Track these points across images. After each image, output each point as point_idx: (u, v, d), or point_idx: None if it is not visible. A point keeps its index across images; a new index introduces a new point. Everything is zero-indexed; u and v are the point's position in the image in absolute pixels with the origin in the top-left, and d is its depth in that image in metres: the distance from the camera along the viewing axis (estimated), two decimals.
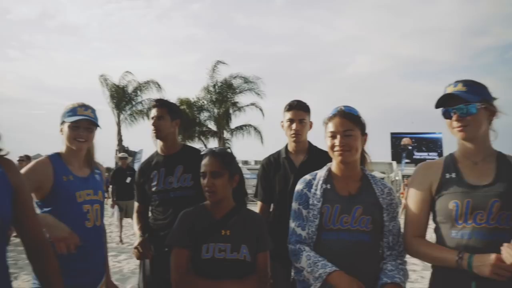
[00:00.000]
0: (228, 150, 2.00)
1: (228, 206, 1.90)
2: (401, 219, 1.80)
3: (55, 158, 2.12)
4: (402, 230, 1.84)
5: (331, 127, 1.86)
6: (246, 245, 1.80)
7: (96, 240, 2.17)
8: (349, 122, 1.85)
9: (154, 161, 2.67)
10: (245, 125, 23.02)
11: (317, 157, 2.44)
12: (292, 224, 1.89)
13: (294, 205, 1.91)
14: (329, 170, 1.93)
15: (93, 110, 2.18)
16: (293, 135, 2.62)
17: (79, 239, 1.83)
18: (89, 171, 2.23)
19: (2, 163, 1.43)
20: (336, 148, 1.83)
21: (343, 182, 1.87)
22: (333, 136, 1.85)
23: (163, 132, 2.61)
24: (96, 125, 2.17)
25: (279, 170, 2.65)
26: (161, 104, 2.65)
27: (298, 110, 2.63)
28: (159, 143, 2.67)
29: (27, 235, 1.48)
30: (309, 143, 2.72)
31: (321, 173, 1.93)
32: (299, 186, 1.94)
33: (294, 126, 2.61)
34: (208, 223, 1.84)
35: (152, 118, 2.61)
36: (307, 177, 1.95)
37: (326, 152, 1.95)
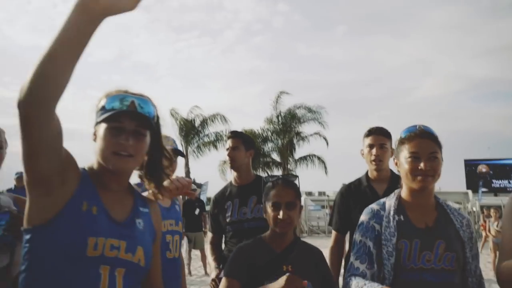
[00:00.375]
0: (296, 176, 1.91)
1: (289, 238, 1.79)
2: (481, 254, 1.70)
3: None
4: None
5: (411, 148, 1.66)
6: (309, 282, 1.63)
7: (174, 272, 2.16)
8: (433, 143, 1.67)
9: (228, 191, 2.74)
10: (309, 155, 22.86)
11: None
12: (352, 258, 1.70)
13: (358, 237, 1.72)
14: (399, 198, 1.73)
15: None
16: (374, 161, 2.51)
17: None
18: (170, 201, 2.23)
19: (147, 203, 1.42)
20: (419, 172, 1.62)
21: (418, 212, 1.67)
22: (415, 158, 1.64)
23: (238, 162, 2.69)
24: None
25: (360, 199, 2.47)
26: (235, 135, 2.75)
27: (379, 135, 2.55)
28: (233, 173, 2.76)
29: (148, 281, 1.40)
30: (391, 171, 2.59)
31: (389, 201, 1.73)
32: (364, 218, 1.74)
33: (374, 151, 2.51)
34: (269, 258, 1.73)
35: (227, 149, 2.71)
36: (374, 206, 1.76)
37: None
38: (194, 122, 24.21)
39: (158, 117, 1.38)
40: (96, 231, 1.16)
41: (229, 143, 2.73)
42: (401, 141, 1.75)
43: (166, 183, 1.50)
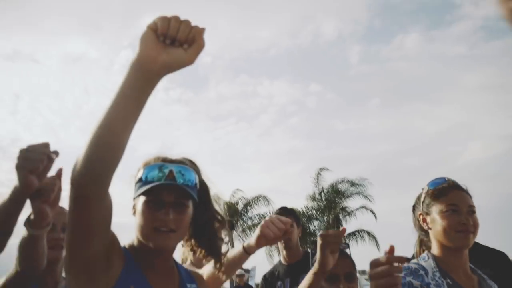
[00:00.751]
0: (347, 245, 1.78)
1: None
2: None
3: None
4: None
5: (449, 200, 1.51)
6: None
7: None
8: (469, 196, 1.54)
9: (278, 271, 2.69)
10: (357, 231, 22.00)
11: (483, 254, 2.04)
12: None
13: None
14: (434, 258, 1.53)
15: None
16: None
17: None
18: None
19: (194, 277, 1.36)
20: (461, 228, 1.46)
21: (461, 274, 1.50)
22: (454, 212, 1.49)
23: (293, 240, 2.60)
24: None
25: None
26: (287, 212, 2.66)
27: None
28: (282, 252, 2.70)
29: None
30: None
31: (425, 262, 1.52)
32: (408, 279, 1.50)
33: None
34: None
35: None
36: (411, 266, 1.52)
37: (493, 250, 1.73)
38: (237, 205, 24.26)
39: (202, 181, 1.30)
40: None
41: None
42: (433, 194, 1.57)
43: (261, 231, 1.42)
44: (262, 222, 1.43)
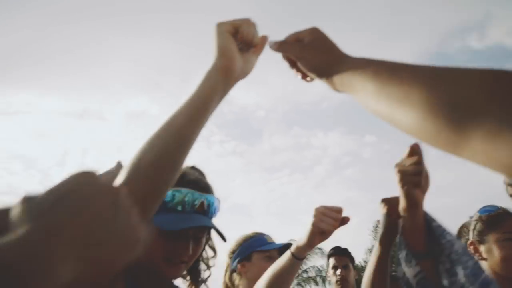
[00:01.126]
0: None
1: None
2: None
3: None
4: None
5: (506, 228, 1.40)
6: None
7: None
8: None
9: None
10: None
11: None
12: None
13: None
14: None
15: None
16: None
17: None
18: None
19: None
20: None
21: None
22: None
23: (350, 282, 2.42)
24: None
25: None
26: (342, 252, 2.49)
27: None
28: None
29: None
30: None
31: None
32: None
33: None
34: None
35: (333, 267, 2.45)
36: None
37: None
38: None
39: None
40: None
41: (333, 261, 2.51)
42: (488, 221, 1.45)
43: (315, 226, 1.18)
44: (313, 218, 1.17)
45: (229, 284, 1.74)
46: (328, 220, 1.18)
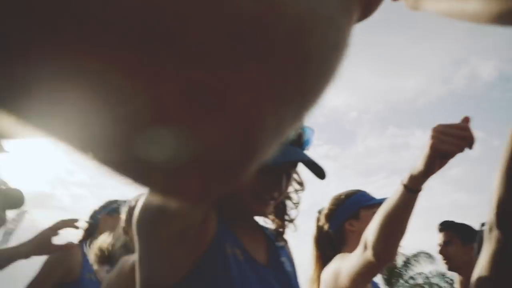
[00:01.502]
0: None
1: None
2: None
3: None
4: None
5: None
6: None
7: None
8: None
9: None
10: None
11: None
12: None
13: None
14: None
15: None
16: None
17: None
18: None
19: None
20: None
21: None
22: None
23: (453, 260, 2.17)
24: None
25: None
26: (446, 226, 2.26)
27: None
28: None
29: None
30: None
31: None
32: None
33: None
34: None
35: (439, 245, 2.25)
36: None
37: None
38: (396, 262, 22.87)
39: None
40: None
41: (441, 237, 2.24)
42: None
43: (434, 148, 0.97)
44: (430, 140, 0.96)
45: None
46: (451, 139, 0.95)
